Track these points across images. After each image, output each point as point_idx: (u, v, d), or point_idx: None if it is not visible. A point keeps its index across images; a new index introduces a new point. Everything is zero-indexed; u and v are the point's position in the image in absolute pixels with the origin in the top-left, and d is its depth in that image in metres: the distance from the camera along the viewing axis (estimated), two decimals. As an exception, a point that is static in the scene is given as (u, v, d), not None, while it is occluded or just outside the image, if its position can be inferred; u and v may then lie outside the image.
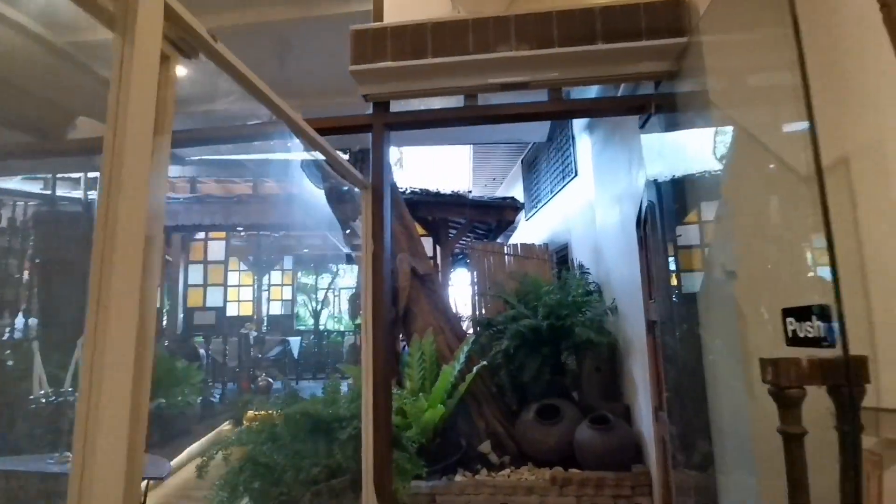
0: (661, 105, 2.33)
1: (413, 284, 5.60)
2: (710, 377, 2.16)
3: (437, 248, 7.99)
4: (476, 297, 5.91)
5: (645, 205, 3.69)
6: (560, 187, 7.10)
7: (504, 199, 7.63)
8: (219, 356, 7.95)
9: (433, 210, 7.33)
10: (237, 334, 8.74)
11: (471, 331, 5.76)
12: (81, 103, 3.95)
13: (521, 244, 6.33)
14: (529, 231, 8.78)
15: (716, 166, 1.90)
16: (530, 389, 4.82)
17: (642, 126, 2.47)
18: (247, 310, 12.61)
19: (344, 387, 4.47)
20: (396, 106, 2.64)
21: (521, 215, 9.33)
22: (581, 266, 5.66)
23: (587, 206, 5.94)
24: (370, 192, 2.56)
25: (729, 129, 1.89)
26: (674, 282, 2.41)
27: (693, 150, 2.14)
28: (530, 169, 9.04)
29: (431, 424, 4.33)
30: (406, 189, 7.31)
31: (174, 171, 7.26)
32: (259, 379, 7.70)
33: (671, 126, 2.31)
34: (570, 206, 6.69)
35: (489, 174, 10.40)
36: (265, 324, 12.63)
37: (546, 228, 7.71)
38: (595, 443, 4.14)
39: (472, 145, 8.72)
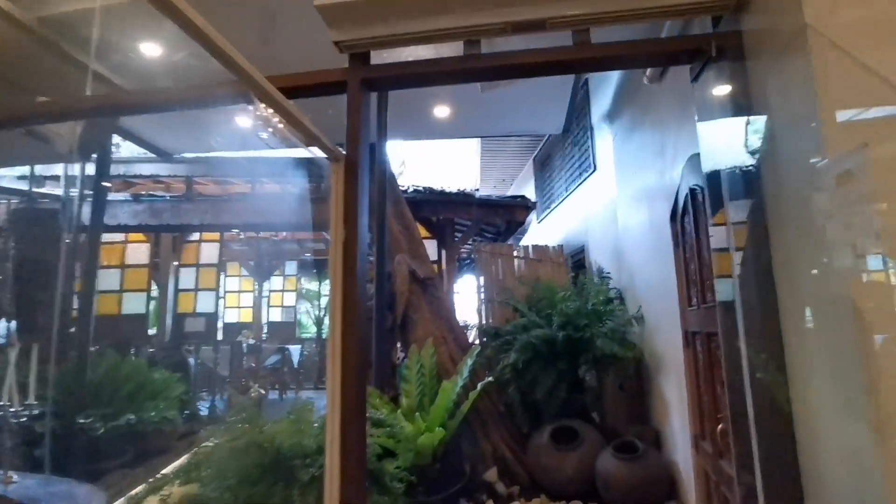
0: (724, 47, 1.77)
1: (412, 289, 5.03)
2: (802, 406, 1.56)
3: (442, 251, 7.42)
4: (483, 305, 5.32)
5: (684, 193, 3.11)
6: (576, 184, 6.51)
7: (514, 197, 7.05)
8: (213, 366, 7.43)
9: (437, 210, 6.77)
10: (232, 342, 8.23)
11: (477, 342, 5.17)
12: (44, 83, 3.49)
13: (534, 246, 5.74)
14: (542, 234, 8.19)
15: (828, 118, 1.32)
16: (544, 409, 4.21)
17: (695, 78, 1.90)
18: (247, 317, 12.12)
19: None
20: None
21: (533, 217, 8.75)
22: (601, 270, 5.06)
23: (607, 203, 5.34)
24: (342, 166, 2.01)
25: (850, 72, 1.32)
26: (733, 279, 1.82)
27: (782, 104, 1.55)
28: (543, 167, 8.46)
29: (429, 449, 3.74)
30: (408, 187, 6.77)
31: (164, 168, 6.78)
32: (251, 390, 7.15)
33: (737, 76, 1.74)
34: (588, 204, 6.09)
35: (498, 175, 9.84)
36: (265, 331, 12.12)
37: (560, 230, 7.12)
38: (621, 474, 3.52)
39: (480, 141, 8.18)
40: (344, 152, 2.05)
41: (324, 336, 11.91)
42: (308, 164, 7.18)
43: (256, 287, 11.90)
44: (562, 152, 7.23)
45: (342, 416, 1.81)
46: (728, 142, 1.86)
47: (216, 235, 7.74)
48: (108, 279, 7.36)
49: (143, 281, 7.31)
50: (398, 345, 5.75)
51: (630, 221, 4.63)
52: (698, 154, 2.10)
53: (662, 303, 3.83)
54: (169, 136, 5.82)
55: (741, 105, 1.78)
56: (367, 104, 2.13)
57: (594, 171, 5.89)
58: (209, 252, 7.69)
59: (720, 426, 2.22)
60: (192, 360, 6.92)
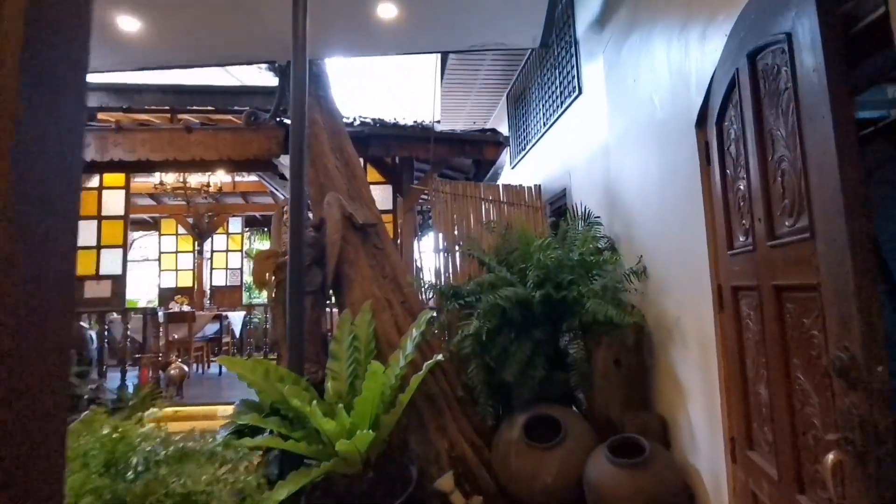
0: None
1: (349, 238, 3.90)
2: None
3: (398, 199, 6.27)
4: (440, 258, 4.23)
5: (728, 78, 2.01)
6: (557, 116, 5.39)
7: (483, 131, 5.89)
8: (123, 339, 6.21)
9: (390, 147, 5.58)
10: (149, 310, 6.99)
11: (434, 302, 4.11)
12: None
13: (505, 186, 4.63)
14: (515, 180, 7.08)
15: None
16: (515, 393, 3.19)
17: None
18: (186, 280, 10.82)
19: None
20: None
21: (506, 163, 7.63)
22: (588, 213, 4.00)
23: (595, 134, 4.26)
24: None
25: None
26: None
27: None
28: (517, 104, 7.29)
29: (356, 454, 2.69)
30: (354, 119, 5.54)
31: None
32: (171, 366, 5.99)
33: None
34: (571, 138, 5.00)
35: (466, 116, 8.62)
36: (207, 297, 10.87)
37: (536, 174, 6.02)
38: (621, 485, 2.54)
39: (442, 73, 6.93)
40: None
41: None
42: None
43: (196, 246, 10.57)
44: (539, 80, 6.06)
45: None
46: None
47: (121, 179, 6.39)
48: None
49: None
50: (333, 311, 4.66)
51: (627, 147, 3.55)
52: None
53: (677, 250, 2.79)
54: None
55: None
56: None
57: (579, 94, 4.77)
58: (113, 201, 6.34)
59: (832, 457, 1.20)
60: (92, 334, 5.70)
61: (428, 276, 4.44)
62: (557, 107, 5.40)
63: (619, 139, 3.75)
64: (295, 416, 2.89)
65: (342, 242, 3.86)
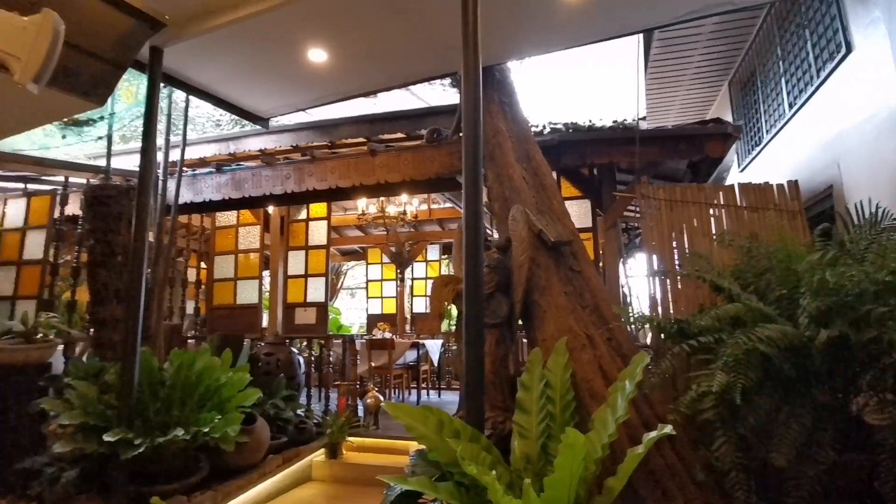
0: None
1: (539, 260, 3.26)
2: None
3: (598, 215, 5.44)
4: (654, 282, 3.30)
5: None
6: (810, 90, 4.05)
7: (704, 123, 4.75)
8: (327, 364, 6.48)
9: (586, 154, 4.82)
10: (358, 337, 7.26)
11: (649, 339, 3.20)
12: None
13: (742, 185, 3.50)
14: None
15: None
16: (792, 484, 2.13)
17: None
18: (390, 307, 11.33)
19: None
20: None
21: (733, 162, 6.22)
22: (884, 213, 2.72)
23: (879, 101, 2.95)
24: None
25: None
26: None
27: None
28: (745, 92, 5.91)
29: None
30: (543, 127, 4.94)
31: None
32: (367, 395, 5.99)
33: None
34: (837, 114, 3.66)
35: (677, 114, 7.37)
36: (408, 324, 11.21)
37: (781, 171, 4.65)
38: None
39: (644, 69, 5.94)
40: None
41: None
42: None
43: (398, 275, 11.02)
44: (777, 53, 4.73)
45: None
46: None
47: (323, 210, 6.76)
48: (223, 266, 6.89)
49: (255, 267, 6.67)
50: (521, 344, 4.03)
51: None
52: None
53: None
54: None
55: None
56: None
57: (847, 53, 3.45)
58: (318, 232, 6.74)
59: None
60: (300, 358, 5.99)
61: (637, 306, 3.54)
62: (810, 78, 4.08)
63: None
64: (471, 483, 2.30)
65: (531, 265, 3.23)
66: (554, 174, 4.62)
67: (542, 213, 3.54)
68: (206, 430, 3.42)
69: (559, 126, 4.84)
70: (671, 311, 3.15)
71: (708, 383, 2.18)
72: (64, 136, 4.89)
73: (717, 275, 2.85)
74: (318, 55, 3.98)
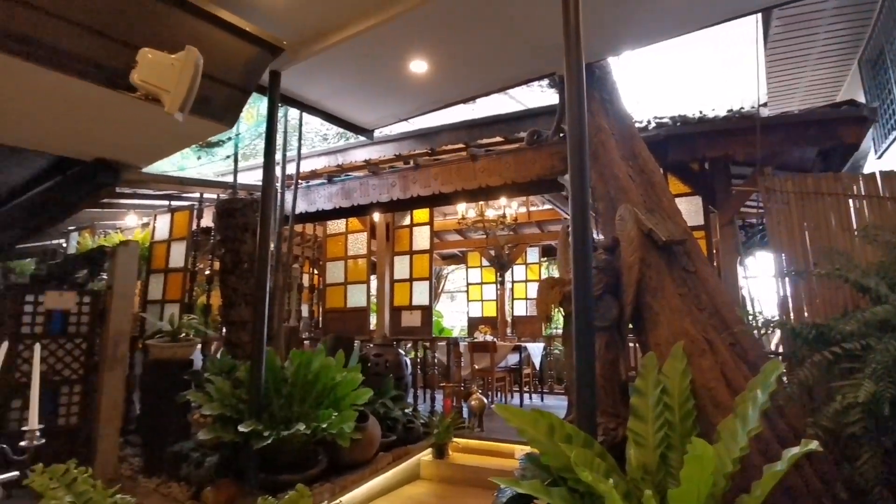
0: None
1: (650, 260, 3.11)
2: None
3: (710, 213, 5.07)
4: (784, 283, 3.01)
5: None
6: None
7: (837, 105, 4.27)
8: (430, 366, 6.64)
9: (697, 147, 4.53)
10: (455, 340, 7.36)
11: (774, 345, 2.92)
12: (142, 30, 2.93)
13: (886, 173, 3.10)
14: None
15: None
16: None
17: None
18: (490, 311, 11.36)
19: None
20: None
21: (870, 147, 5.53)
22: None
23: None
24: None
25: None
26: None
27: None
28: (876, 68, 5.23)
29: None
30: (648, 122, 4.72)
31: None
32: (472, 397, 6.05)
33: None
34: None
35: (802, 99, 6.68)
36: (509, 327, 11.17)
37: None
38: None
39: (763, 46, 5.46)
40: None
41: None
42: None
43: (498, 278, 11.03)
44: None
45: None
46: None
47: (426, 216, 6.94)
48: (334, 271, 7.33)
49: (363, 272, 7.01)
50: (631, 348, 3.85)
51: None
52: None
53: None
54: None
55: None
56: None
57: None
58: (421, 237, 6.95)
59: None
60: (407, 360, 6.19)
61: (760, 309, 3.25)
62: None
63: None
64: (586, 490, 2.24)
65: (641, 265, 3.09)
66: (661, 171, 4.39)
67: (651, 212, 3.38)
68: (325, 425, 3.65)
69: (665, 120, 4.60)
70: (805, 315, 2.86)
71: (854, 394, 1.95)
72: (199, 157, 5.47)
73: (861, 274, 2.55)
74: (419, 66, 4.10)
